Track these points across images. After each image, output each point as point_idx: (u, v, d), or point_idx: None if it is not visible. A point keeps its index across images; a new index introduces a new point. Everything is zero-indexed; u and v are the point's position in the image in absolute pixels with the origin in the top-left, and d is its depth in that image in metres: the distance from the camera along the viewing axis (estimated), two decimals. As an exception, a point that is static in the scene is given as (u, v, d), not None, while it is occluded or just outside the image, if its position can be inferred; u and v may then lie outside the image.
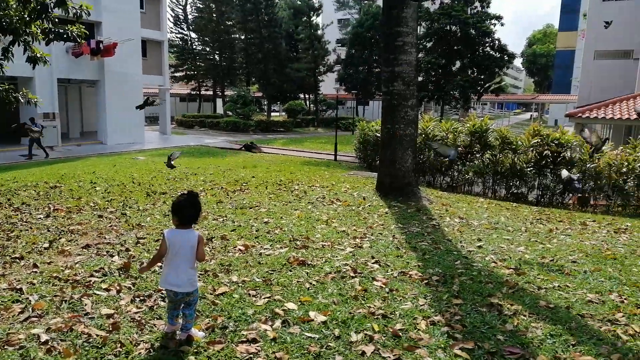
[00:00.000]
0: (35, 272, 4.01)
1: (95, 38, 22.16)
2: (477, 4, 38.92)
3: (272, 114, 50.20)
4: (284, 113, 46.62)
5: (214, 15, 45.75)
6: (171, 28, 46.29)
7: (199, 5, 47.19)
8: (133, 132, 24.58)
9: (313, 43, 44.57)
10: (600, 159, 12.98)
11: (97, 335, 2.91)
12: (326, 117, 46.60)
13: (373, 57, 45.28)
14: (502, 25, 38.82)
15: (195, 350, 2.82)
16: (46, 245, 4.79)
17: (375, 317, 3.38)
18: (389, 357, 2.83)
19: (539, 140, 13.13)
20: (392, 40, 7.85)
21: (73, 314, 3.21)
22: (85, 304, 3.35)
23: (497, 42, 37.55)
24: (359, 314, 3.40)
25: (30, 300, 3.37)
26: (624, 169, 12.73)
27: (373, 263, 4.57)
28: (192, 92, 48.58)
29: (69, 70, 22.05)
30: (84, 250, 4.69)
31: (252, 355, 2.78)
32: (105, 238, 5.14)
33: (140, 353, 2.76)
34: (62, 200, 7.27)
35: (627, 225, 8.06)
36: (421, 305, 3.64)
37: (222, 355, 2.77)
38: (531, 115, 75.12)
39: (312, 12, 45.86)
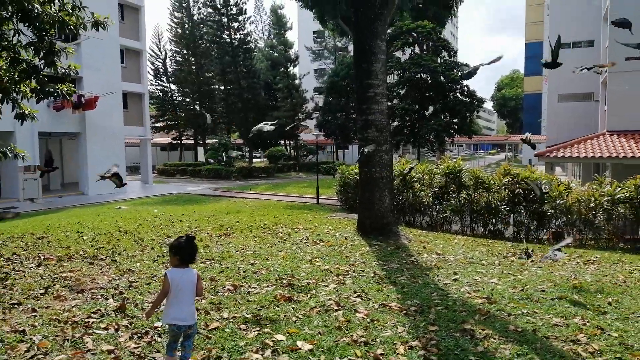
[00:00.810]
0: (35, 315, 4.20)
1: (77, 92, 22.64)
2: (444, 53, 41.18)
3: (254, 160, 50.85)
4: (265, 159, 47.27)
5: (193, 67, 47.07)
6: (151, 80, 47.32)
7: (178, 58, 48.60)
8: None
9: (291, 92, 46.02)
10: (568, 195, 13.68)
11: (101, 369, 3.14)
12: (307, 162, 47.41)
13: (349, 104, 46.82)
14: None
15: (194, 378, 3.06)
16: (42, 291, 4.96)
17: (358, 344, 3.67)
18: (372, 376, 3.12)
19: (510, 179, 13.81)
20: (364, 91, 8.48)
21: (76, 351, 3.42)
22: (87, 342, 3.56)
23: (466, 88, 39.51)
24: (342, 342, 3.69)
25: (34, 340, 3.58)
26: (592, 204, 13.42)
27: (355, 297, 4.87)
28: (173, 142, 49.06)
29: (51, 124, 22.33)
30: (78, 295, 4.89)
31: (246, 381, 3.03)
32: (98, 283, 5.34)
33: (142, 382, 2.99)
34: (51, 249, 7.42)
35: (597, 257, 8.55)
36: (400, 333, 3.94)
37: (218, 381, 3.02)
38: (506, 155, 77.41)
39: (289, 63, 47.65)
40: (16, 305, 4.47)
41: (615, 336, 4.08)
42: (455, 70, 39.35)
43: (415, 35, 40.59)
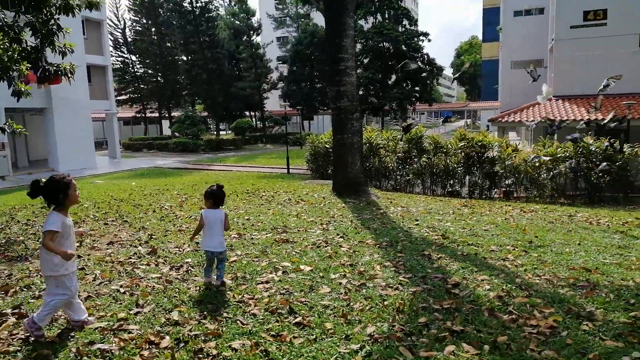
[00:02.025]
0: (82, 259, 5.17)
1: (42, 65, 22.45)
2: (405, 22, 42.17)
3: (221, 132, 50.97)
4: (231, 132, 47.61)
5: (154, 37, 46.20)
6: (111, 52, 46.21)
7: (138, 28, 47.43)
8: (84, 158, 24.88)
9: (255, 62, 46.06)
10: (516, 156, 15.29)
11: (158, 286, 4.21)
12: (274, 133, 48.02)
13: (314, 73, 47.34)
14: (429, 41, 42.26)
15: (230, 289, 4.17)
16: (77, 244, 5.89)
17: (345, 266, 4.87)
18: (357, 283, 4.33)
19: (466, 144, 15.27)
20: (336, 65, 9.50)
21: (132, 278, 4.46)
22: (138, 273, 4.60)
23: (426, 56, 40.87)
24: (334, 265, 4.89)
25: (95, 273, 4.58)
26: (537, 164, 15.08)
27: (339, 238, 6.08)
28: (137, 115, 48.47)
29: (16, 100, 22.15)
30: (109, 246, 5.86)
31: (268, 289, 4.17)
32: (121, 237, 6.31)
33: (193, 292, 4.09)
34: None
35: (535, 208, 10.08)
36: (376, 258, 5.18)
37: (248, 290, 4.15)
38: (465, 122, 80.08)
39: (252, 32, 47.45)
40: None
41: (535, 256, 5.45)
42: (415, 39, 40.49)
43: (377, 3, 41.30)
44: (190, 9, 44.06)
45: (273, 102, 56.17)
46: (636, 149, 14.01)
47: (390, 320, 3.55)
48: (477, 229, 6.99)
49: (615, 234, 6.92)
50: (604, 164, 13.40)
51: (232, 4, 52.21)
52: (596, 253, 5.64)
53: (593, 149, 14.16)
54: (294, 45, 48.66)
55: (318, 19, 49.32)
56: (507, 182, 15.60)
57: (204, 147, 36.60)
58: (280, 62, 55.29)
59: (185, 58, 46.73)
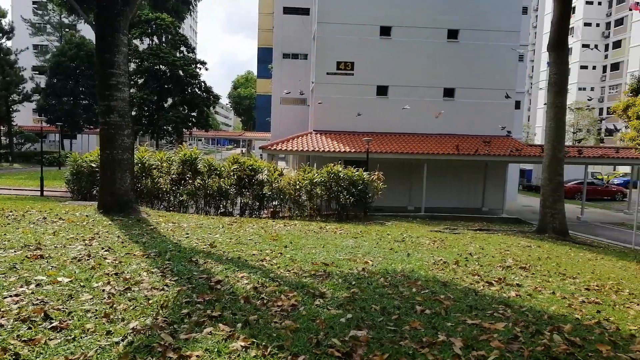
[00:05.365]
0: None
1: None
2: (183, 48, 42.41)
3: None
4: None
5: None
6: None
7: None
8: None
9: (4, 68, 39.46)
10: (281, 180, 17.00)
11: None
12: (25, 151, 41.45)
13: (79, 88, 43.15)
14: (206, 69, 43.34)
15: None
16: None
17: (110, 275, 4.83)
18: (122, 288, 4.39)
19: (238, 167, 16.28)
20: (107, 79, 9.18)
21: None
22: None
23: (203, 84, 41.75)
24: (97, 275, 4.79)
25: None
26: (298, 187, 17.05)
27: (104, 252, 5.90)
28: None
29: None
30: None
31: (18, 301, 3.88)
32: None
33: None
34: None
35: (296, 223, 11.42)
36: (143, 266, 5.27)
37: None
38: (241, 150, 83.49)
39: (1, 35, 40.69)
40: None
41: (288, 257, 6.37)
42: (193, 66, 40.98)
43: (155, 26, 40.51)
44: None
45: (26, 116, 48.64)
46: (372, 176, 17.24)
47: (154, 315, 3.77)
48: (243, 239, 7.68)
49: (351, 239, 8.54)
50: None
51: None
52: (334, 252, 6.91)
53: (342, 175, 16.83)
54: (56, 55, 43.52)
55: (86, 31, 45.33)
56: (274, 202, 17.18)
57: None
58: (37, 72, 48.51)
59: None
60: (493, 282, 5.84)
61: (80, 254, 5.66)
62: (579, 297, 5.54)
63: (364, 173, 17.02)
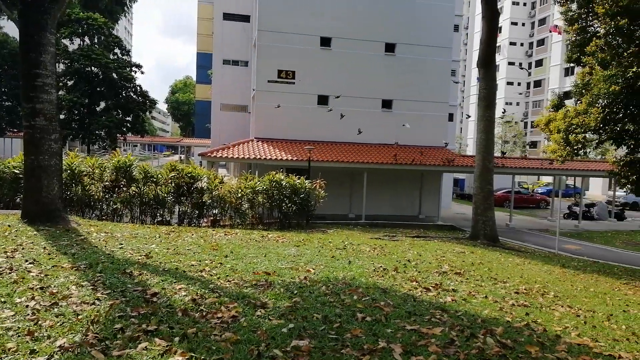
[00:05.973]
0: None
1: None
2: (117, 50, 40.71)
3: None
4: None
5: None
6: None
7: None
8: None
9: None
10: (222, 187, 16.68)
11: None
12: None
13: (2, 89, 40.20)
14: (142, 73, 41.81)
15: None
16: None
17: (34, 289, 4.50)
18: (47, 303, 4.10)
19: (176, 174, 15.77)
20: (32, 80, 8.59)
21: None
22: None
23: (138, 87, 40.21)
24: (20, 289, 4.44)
25: None
26: (239, 195, 16.79)
27: (27, 264, 5.48)
28: None
29: None
30: None
31: None
32: None
33: None
34: None
35: (237, 232, 11.23)
36: (72, 279, 4.95)
37: None
38: (180, 157, 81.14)
39: None
40: None
41: (228, 267, 6.24)
42: (128, 69, 39.43)
43: (86, 26, 38.59)
44: None
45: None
46: (314, 184, 17.33)
47: (84, 331, 3.55)
48: (181, 249, 7.44)
49: (293, 248, 8.52)
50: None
51: None
52: (276, 261, 6.86)
53: (284, 183, 16.78)
54: (-26, 52, 40.22)
55: (10, 28, 42.36)
56: (214, 211, 16.79)
57: None
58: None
59: None
60: (430, 287, 6.04)
61: (0, 267, 5.23)
62: (509, 300, 5.86)
63: (306, 181, 17.08)
